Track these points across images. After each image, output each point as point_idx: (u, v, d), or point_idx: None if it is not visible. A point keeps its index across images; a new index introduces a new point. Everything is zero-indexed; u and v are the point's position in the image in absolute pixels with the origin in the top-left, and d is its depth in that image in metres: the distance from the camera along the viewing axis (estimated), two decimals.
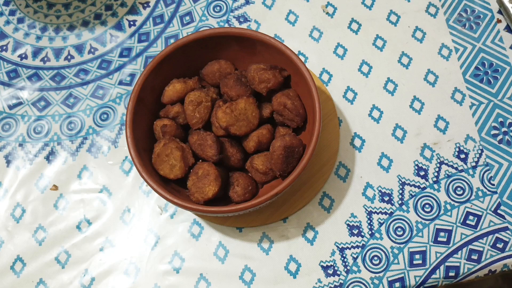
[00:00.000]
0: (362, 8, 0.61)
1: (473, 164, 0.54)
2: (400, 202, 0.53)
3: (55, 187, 0.55)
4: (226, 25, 0.61)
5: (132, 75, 0.60)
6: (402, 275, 0.50)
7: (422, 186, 0.53)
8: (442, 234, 0.51)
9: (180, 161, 0.47)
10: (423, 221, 0.52)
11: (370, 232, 0.52)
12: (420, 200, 0.53)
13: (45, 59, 0.61)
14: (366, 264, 0.51)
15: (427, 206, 0.53)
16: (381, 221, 0.52)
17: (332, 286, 0.50)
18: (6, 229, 0.54)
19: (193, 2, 0.63)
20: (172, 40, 0.61)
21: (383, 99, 0.57)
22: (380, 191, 0.53)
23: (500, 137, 0.55)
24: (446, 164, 0.54)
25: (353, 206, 0.53)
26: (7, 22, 0.64)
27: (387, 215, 0.52)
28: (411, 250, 0.51)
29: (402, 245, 0.51)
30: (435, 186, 0.53)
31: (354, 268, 0.51)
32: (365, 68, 0.58)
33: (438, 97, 0.57)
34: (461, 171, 0.54)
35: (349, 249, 0.52)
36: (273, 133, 0.50)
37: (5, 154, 0.57)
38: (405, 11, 0.61)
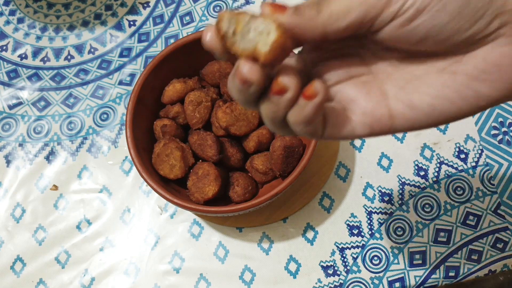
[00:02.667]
0: None
1: (473, 164, 0.54)
2: (400, 202, 0.53)
3: (55, 187, 0.55)
4: None
5: (132, 75, 0.60)
6: (402, 275, 0.50)
7: (422, 186, 0.53)
8: (442, 234, 0.51)
9: (180, 161, 0.47)
10: (423, 221, 0.52)
11: (370, 232, 0.52)
12: (420, 200, 0.53)
13: (45, 59, 0.61)
14: (366, 264, 0.51)
15: (427, 206, 0.53)
16: (381, 221, 0.52)
17: (332, 286, 0.50)
18: (6, 229, 0.54)
19: (193, 2, 0.63)
20: (172, 40, 0.61)
21: None
22: (380, 191, 0.53)
23: (500, 137, 0.55)
24: (446, 164, 0.54)
25: (353, 206, 0.53)
26: (7, 22, 0.64)
27: (387, 215, 0.52)
28: (411, 250, 0.51)
29: (402, 245, 0.51)
30: (435, 186, 0.53)
31: (354, 268, 0.51)
32: None
33: None
34: (461, 171, 0.54)
35: (349, 249, 0.51)
36: (273, 133, 0.50)
37: (5, 154, 0.57)
38: None
